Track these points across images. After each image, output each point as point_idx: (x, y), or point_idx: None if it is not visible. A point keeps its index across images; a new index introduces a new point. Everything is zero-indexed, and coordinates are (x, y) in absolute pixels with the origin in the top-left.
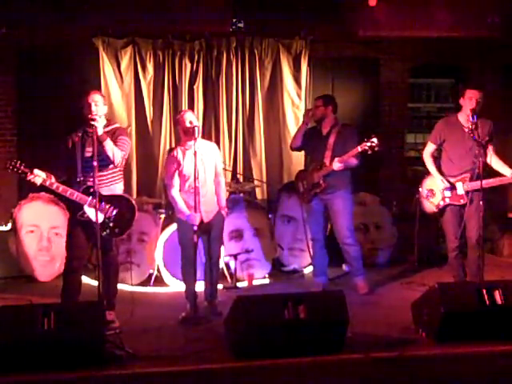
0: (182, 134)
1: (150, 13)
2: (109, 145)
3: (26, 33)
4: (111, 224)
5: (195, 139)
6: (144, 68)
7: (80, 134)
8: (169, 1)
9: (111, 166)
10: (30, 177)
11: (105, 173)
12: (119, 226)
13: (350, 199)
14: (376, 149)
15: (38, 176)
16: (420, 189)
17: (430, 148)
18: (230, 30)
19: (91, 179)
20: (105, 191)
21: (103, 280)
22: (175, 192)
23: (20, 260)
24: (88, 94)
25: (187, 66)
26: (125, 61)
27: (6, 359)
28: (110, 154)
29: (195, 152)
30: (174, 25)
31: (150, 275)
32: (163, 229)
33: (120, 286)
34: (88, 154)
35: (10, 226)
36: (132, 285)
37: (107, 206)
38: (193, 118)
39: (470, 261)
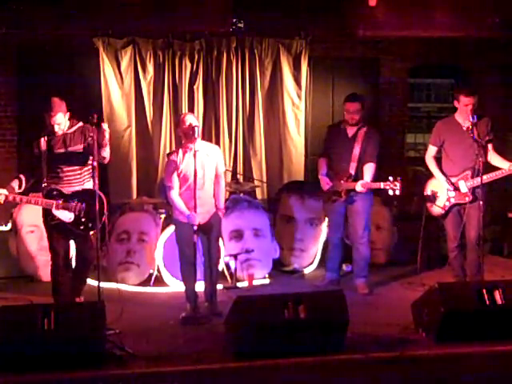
0: (183, 136)
1: (149, 13)
2: (107, 151)
3: (26, 33)
4: (83, 219)
5: (195, 139)
6: (144, 68)
7: (45, 139)
8: (169, 1)
9: (85, 164)
10: None
11: (78, 172)
12: (91, 219)
13: (370, 200)
14: (396, 193)
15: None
16: (425, 193)
17: (432, 151)
18: (230, 29)
19: (56, 182)
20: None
21: (74, 269)
22: (175, 194)
23: (20, 260)
24: (48, 113)
25: (187, 66)
26: (125, 61)
27: (6, 359)
28: (107, 155)
29: (195, 152)
30: (174, 25)
31: (150, 275)
32: (163, 229)
33: (119, 286)
34: (56, 157)
35: (9, 226)
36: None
37: (73, 203)
38: (193, 120)
39: (469, 261)
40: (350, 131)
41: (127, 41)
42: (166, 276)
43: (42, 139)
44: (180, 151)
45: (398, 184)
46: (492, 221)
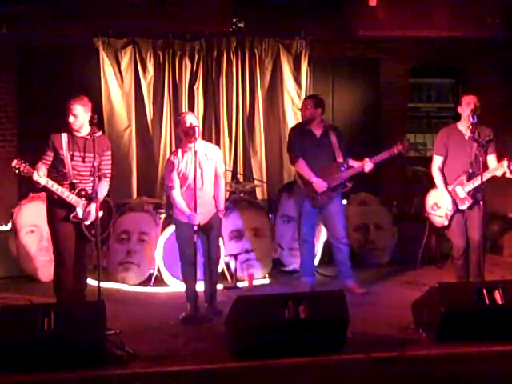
0: (183, 136)
1: (150, 13)
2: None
3: (26, 33)
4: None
5: (195, 139)
6: (144, 68)
7: (65, 137)
8: (169, 1)
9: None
10: (35, 177)
11: (90, 178)
12: (102, 226)
13: (342, 200)
14: (406, 152)
15: (42, 177)
16: (427, 206)
17: (438, 161)
18: (230, 30)
19: (82, 182)
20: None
21: (75, 275)
22: (176, 193)
23: (20, 260)
24: (69, 104)
25: (187, 66)
26: (125, 61)
27: (6, 359)
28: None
29: (195, 152)
30: (174, 25)
31: (150, 275)
32: (163, 229)
33: (121, 286)
34: (75, 158)
35: (10, 226)
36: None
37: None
38: (193, 120)
39: (472, 261)
40: (317, 131)
41: (127, 41)
42: (166, 276)
43: (63, 136)
44: (179, 151)
45: (405, 142)
46: (492, 221)
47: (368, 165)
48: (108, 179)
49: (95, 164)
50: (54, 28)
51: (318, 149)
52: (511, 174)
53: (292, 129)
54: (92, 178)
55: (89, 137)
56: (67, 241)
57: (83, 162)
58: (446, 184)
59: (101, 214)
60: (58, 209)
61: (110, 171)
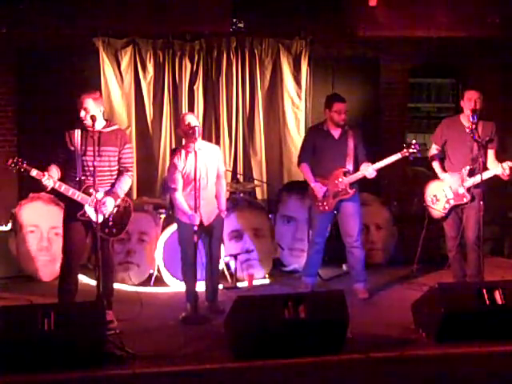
0: (184, 136)
1: (149, 13)
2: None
3: (26, 33)
4: (110, 223)
5: (196, 139)
6: (144, 68)
7: (79, 132)
8: (169, 1)
9: (113, 168)
10: (45, 181)
11: (106, 173)
12: (117, 225)
13: (359, 201)
14: (418, 155)
15: (50, 180)
16: (425, 198)
17: (434, 149)
18: (230, 29)
19: (91, 179)
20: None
21: (99, 279)
22: (178, 194)
23: (20, 260)
24: (80, 99)
25: (187, 66)
26: (125, 61)
27: (6, 359)
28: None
29: (195, 152)
30: (174, 25)
31: (150, 275)
32: (163, 229)
33: (120, 286)
34: (89, 153)
35: (10, 226)
36: (134, 285)
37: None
38: (193, 120)
39: (469, 261)
40: (336, 133)
41: (127, 41)
42: (166, 276)
43: (76, 132)
44: (182, 152)
45: (416, 147)
46: (492, 221)
47: (371, 172)
48: (130, 173)
49: (96, 164)
50: (54, 28)
51: (333, 151)
52: (506, 178)
53: (309, 129)
54: (109, 173)
55: (104, 130)
56: (76, 243)
57: (99, 156)
58: (444, 170)
59: (109, 208)
60: (72, 208)
61: (131, 165)
